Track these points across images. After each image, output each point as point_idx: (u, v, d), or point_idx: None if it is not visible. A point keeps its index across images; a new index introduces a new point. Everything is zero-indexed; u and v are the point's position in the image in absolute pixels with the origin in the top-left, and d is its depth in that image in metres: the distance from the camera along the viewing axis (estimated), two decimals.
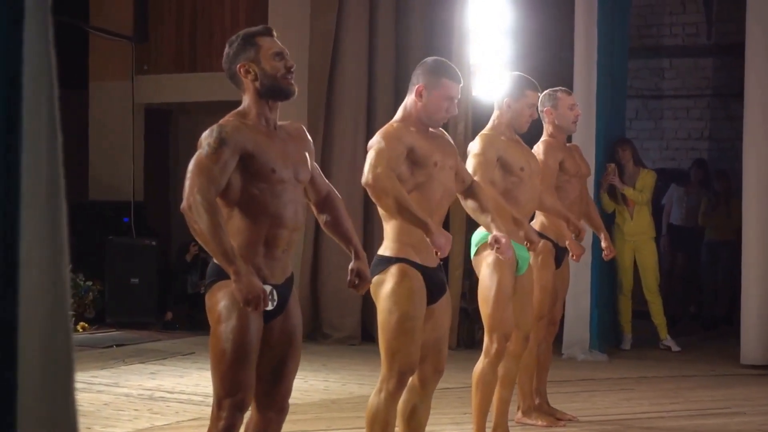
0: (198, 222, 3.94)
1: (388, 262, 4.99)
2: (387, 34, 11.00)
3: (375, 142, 4.97)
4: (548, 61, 11.41)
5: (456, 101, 5.11)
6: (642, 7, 14.16)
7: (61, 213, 1.53)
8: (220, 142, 4.03)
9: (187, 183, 4.02)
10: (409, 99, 5.10)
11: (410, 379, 5.12)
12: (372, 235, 10.49)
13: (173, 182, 13.49)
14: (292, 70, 4.22)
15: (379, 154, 4.88)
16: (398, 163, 4.89)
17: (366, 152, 5.06)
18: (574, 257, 6.92)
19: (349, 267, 4.43)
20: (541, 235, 6.80)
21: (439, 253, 4.88)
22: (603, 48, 10.14)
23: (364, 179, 4.88)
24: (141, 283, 11.71)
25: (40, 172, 1.50)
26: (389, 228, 5.02)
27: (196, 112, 13.03)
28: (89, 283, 11.62)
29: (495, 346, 5.98)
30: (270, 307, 4.13)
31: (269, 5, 11.39)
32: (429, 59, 5.23)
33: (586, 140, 10.03)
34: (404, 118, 5.09)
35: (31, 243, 1.50)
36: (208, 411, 7.16)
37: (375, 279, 4.96)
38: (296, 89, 4.25)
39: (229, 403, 4.07)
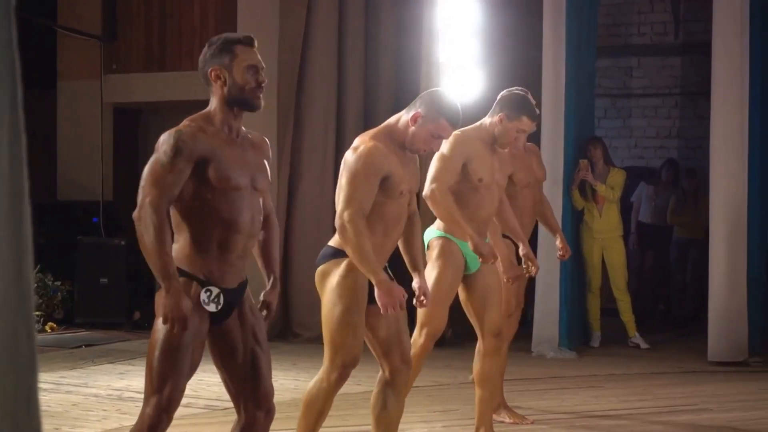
0: (144, 236, 3.96)
1: (336, 254, 5.06)
2: (356, 34, 11.01)
3: (352, 167, 4.98)
4: (517, 61, 11.44)
5: (442, 142, 5.18)
6: (610, 6, 14.21)
7: (24, 214, 1.53)
8: (176, 151, 4.02)
9: (141, 192, 4.02)
10: (404, 118, 5.11)
11: (380, 374, 5.17)
12: None
13: None
14: (262, 85, 4.21)
15: (353, 189, 4.93)
16: (370, 199, 4.94)
17: (336, 150, 5.10)
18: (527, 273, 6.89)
19: (261, 296, 4.43)
20: (504, 236, 6.86)
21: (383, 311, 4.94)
22: (571, 47, 10.18)
23: (336, 221, 4.96)
24: (110, 283, 11.66)
25: (2, 172, 1.49)
26: None
27: (165, 112, 12.99)
28: (58, 283, 11.57)
29: (422, 341, 6.03)
30: (213, 309, 4.12)
31: (238, 4, 11.35)
32: (441, 92, 5.26)
33: (555, 139, 10.08)
34: (388, 134, 5.10)
35: None
36: (178, 411, 7.16)
37: (321, 268, 5.10)
38: (262, 104, 4.23)
39: (155, 401, 4.03)
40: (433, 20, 10.41)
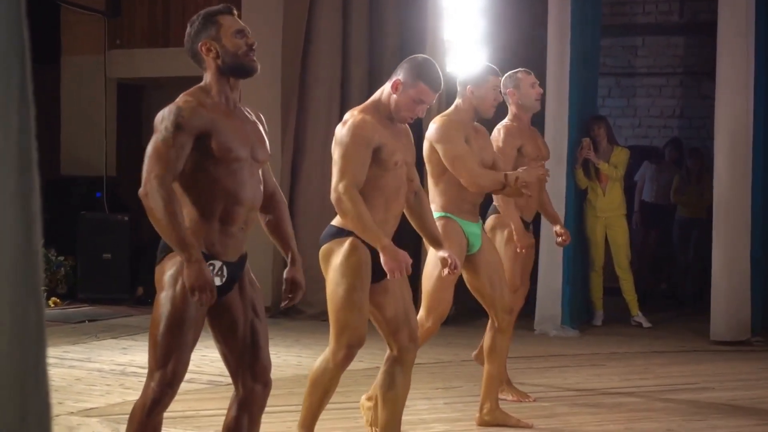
0: (155, 210, 3.94)
1: (340, 233, 5.06)
2: (361, 13, 10.99)
3: (342, 140, 5.00)
4: (522, 39, 11.43)
5: (426, 107, 5.14)
6: None
7: (32, 186, 1.53)
8: (177, 127, 4.02)
9: (145, 169, 4.01)
10: (386, 88, 5.11)
11: (388, 352, 5.18)
12: None
13: None
14: (253, 47, 4.22)
15: (345, 161, 4.95)
16: (363, 170, 4.95)
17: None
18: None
19: (284, 275, 4.43)
20: None
21: (390, 275, 4.92)
22: (576, 26, 10.16)
23: (332, 195, 4.97)
24: (113, 259, 11.69)
25: (11, 145, 1.50)
26: None
27: (168, 87, 12.93)
28: (61, 258, 11.60)
29: (429, 325, 6.05)
30: (218, 283, 4.11)
31: None
32: (419, 57, 5.22)
33: (559, 118, 10.08)
34: (375, 107, 5.10)
35: (0, 217, 1.50)
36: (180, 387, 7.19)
37: (325, 247, 5.10)
38: (258, 66, 4.24)
39: (159, 376, 4.01)
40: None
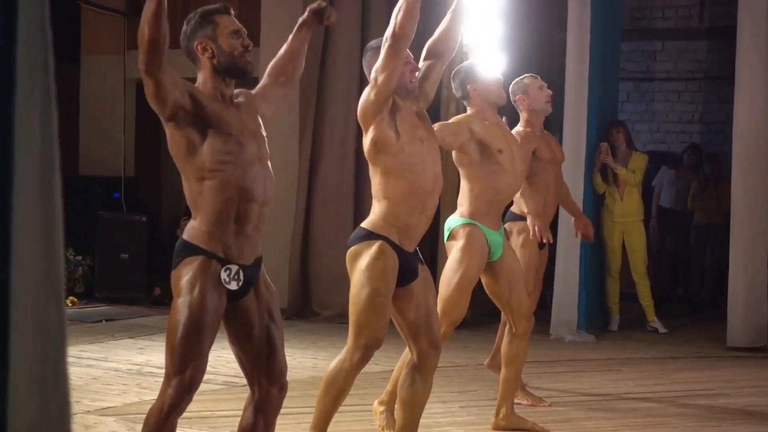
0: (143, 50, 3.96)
1: (369, 236, 5.04)
2: (380, 15, 10.98)
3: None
4: (541, 43, 11.43)
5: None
6: None
7: (54, 185, 1.55)
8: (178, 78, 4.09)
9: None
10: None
11: (409, 357, 5.18)
12: (362, 214, 10.53)
13: (164, 158, 13.46)
14: (249, 48, 4.22)
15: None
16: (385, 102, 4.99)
17: (357, 130, 5.12)
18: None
19: None
20: (522, 218, 6.99)
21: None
22: (596, 30, 10.15)
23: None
24: (131, 259, 11.72)
25: (34, 145, 1.51)
26: (378, 207, 5.07)
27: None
28: (79, 258, 11.64)
29: (443, 329, 6.02)
30: (235, 287, 4.10)
31: None
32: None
33: (577, 122, 10.06)
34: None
35: (23, 216, 1.51)
36: None
37: (353, 249, 5.08)
38: (253, 66, 4.25)
39: (177, 382, 4.00)
40: (458, 2, 10.36)
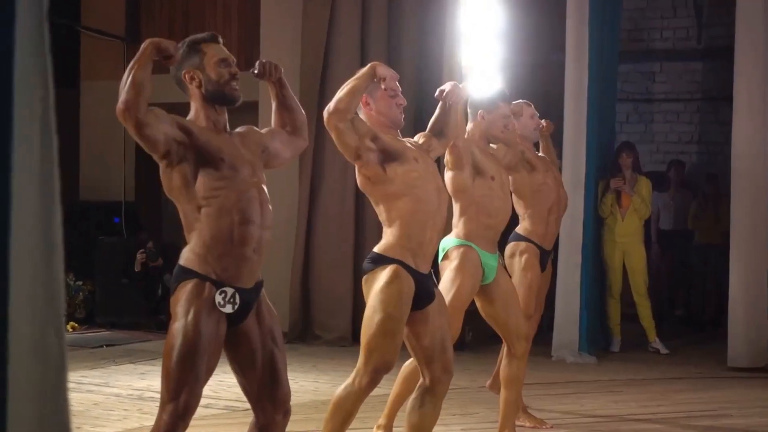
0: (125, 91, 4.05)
1: (382, 260, 5.04)
2: (379, 36, 11.02)
3: None
4: (540, 64, 11.45)
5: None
6: (633, 10, 14.19)
7: (54, 213, 1.55)
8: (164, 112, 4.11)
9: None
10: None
11: (420, 380, 5.17)
12: (363, 237, 10.55)
13: None
14: (236, 76, 4.25)
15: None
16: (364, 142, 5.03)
17: (355, 167, 5.16)
18: None
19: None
20: (524, 238, 7.06)
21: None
22: (594, 51, 10.16)
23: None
24: (131, 284, 11.71)
25: (33, 172, 1.52)
26: (390, 231, 5.08)
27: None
28: (79, 283, 11.63)
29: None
30: (230, 311, 4.09)
31: (261, 6, 11.40)
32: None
33: (577, 143, 10.07)
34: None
35: (22, 243, 1.51)
36: (197, 412, 7.18)
37: (368, 275, 5.06)
38: (240, 96, 4.26)
39: (171, 408, 3.98)
40: (455, 22, 10.40)
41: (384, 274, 4.99)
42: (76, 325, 11.29)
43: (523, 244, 7.03)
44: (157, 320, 11.69)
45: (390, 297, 4.95)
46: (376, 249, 5.12)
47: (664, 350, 10.64)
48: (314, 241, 10.94)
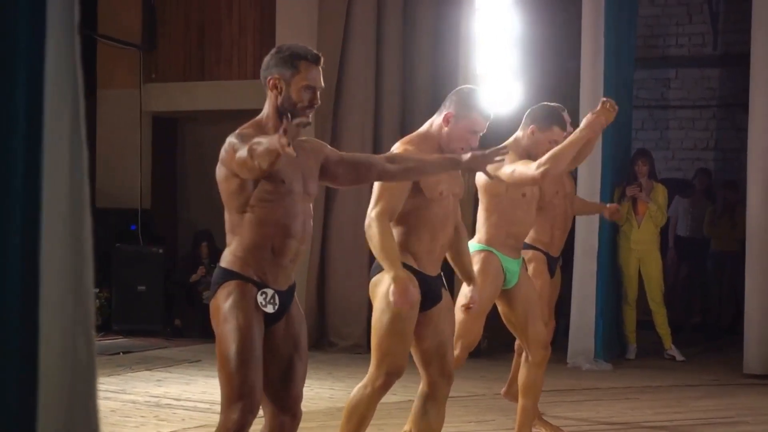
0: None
1: None
2: (394, 44, 11.03)
3: None
4: (555, 71, 11.45)
5: (479, 136, 5.18)
6: (648, 17, 14.19)
7: (85, 221, 1.56)
8: (241, 138, 4.07)
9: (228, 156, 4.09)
10: (437, 121, 5.19)
11: (420, 386, 5.20)
12: None
13: (180, 190, 13.53)
14: (314, 105, 4.26)
15: (383, 189, 5.01)
16: (399, 201, 5.01)
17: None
18: None
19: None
20: (532, 246, 7.05)
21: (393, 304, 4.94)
22: (609, 58, 10.16)
23: (366, 219, 5.02)
24: (148, 291, 11.75)
25: (63, 181, 1.53)
26: (394, 234, 5.10)
27: (203, 121, 13.06)
28: (96, 290, 11.66)
29: (457, 352, 6.02)
30: (271, 311, 4.19)
31: (277, 14, 11.43)
32: (466, 88, 5.32)
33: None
34: (423, 139, 5.17)
35: (53, 252, 1.53)
36: (214, 418, 7.18)
37: (374, 279, 5.15)
38: (309, 123, 4.23)
39: (240, 406, 4.07)
40: (470, 30, 10.42)
41: (388, 278, 5.02)
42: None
43: (530, 253, 7.02)
44: (173, 327, 11.75)
45: None
46: None
47: (680, 357, 10.63)
48: (329, 249, 10.95)
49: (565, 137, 6.21)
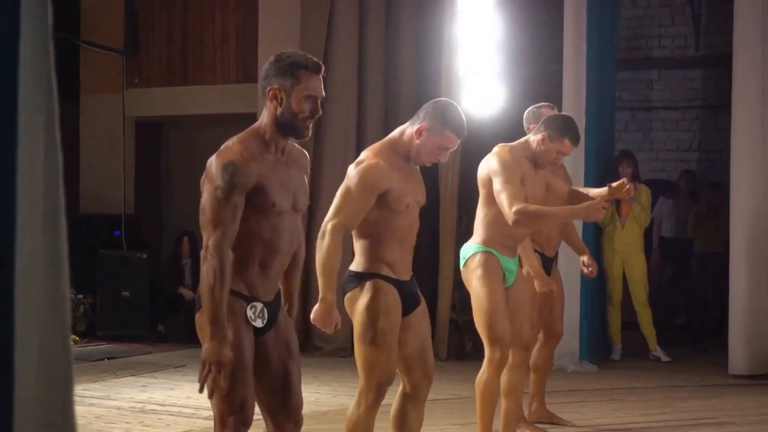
0: (205, 277, 3.96)
1: (360, 278, 5.05)
2: (377, 47, 11.04)
3: (350, 180, 4.97)
4: (537, 74, 11.45)
5: (450, 152, 5.13)
6: (631, 19, 14.23)
7: (60, 228, 1.55)
8: (231, 186, 4.01)
9: (205, 233, 4.02)
10: (408, 131, 5.08)
11: (401, 387, 5.19)
12: None
13: (164, 195, 13.51)
14: (315, 116, 4.18)
15: (344, 201, 4.94)
16: (359, 215, 4.95)
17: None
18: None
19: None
20: None
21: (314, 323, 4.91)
22: (592, 60, 10.18)
23: (325, 222, 4.94)
24: (132, 296, 11.73)
25: (37, 187, 1.52)
26: (359, 245, 5.11)
27: (186, 126, 13.06)
28: (80, 296, 11.64)
29: (498, 354, 6.00)
30: (260, 325, 4.19)
31: (260, 19, 11.44)
32: (443, 102, 5.21)
33: (575, 151, 10.04)
34: (392, 147, 5.08)
35: (27, 257, 1.52)
36: (199, 423, 7.19)
37: (349, 294, 5.09)
38: (309, 135, 4.22)
39: (233, 421, 4.08)
40: (453, 33, 10.43)
41: (366, 291, 5.01)
42: (77, 338, 11.29)
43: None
44: (157, 333, 11.73)
45: (378, 311, 4.98)
46: (351, 267, 5.12)
47: (665, 358, 10.64)
48: (313, 253, 10.92)
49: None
